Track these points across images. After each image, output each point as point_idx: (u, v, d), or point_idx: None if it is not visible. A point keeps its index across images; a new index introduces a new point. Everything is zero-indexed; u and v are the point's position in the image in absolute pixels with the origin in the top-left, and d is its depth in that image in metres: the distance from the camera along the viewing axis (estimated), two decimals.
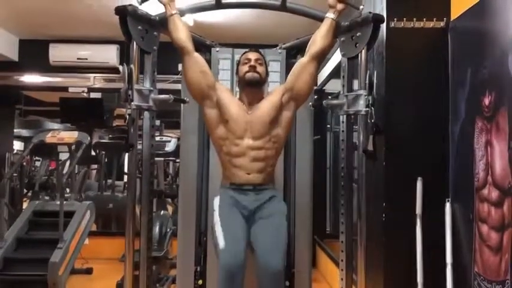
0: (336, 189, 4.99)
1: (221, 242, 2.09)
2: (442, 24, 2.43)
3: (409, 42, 2.45)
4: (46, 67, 5.14)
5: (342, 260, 2.45)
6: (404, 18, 2.43)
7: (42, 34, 5.07)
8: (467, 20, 2.28)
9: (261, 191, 2.28)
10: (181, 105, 2.74)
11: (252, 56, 2.35)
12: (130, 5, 2.27)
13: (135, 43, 2.30)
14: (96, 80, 5.31)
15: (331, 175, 5.33)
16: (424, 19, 2.43)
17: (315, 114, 2.84)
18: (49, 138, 4.40)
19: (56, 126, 8.96)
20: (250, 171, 2.27)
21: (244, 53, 2.41)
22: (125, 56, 5.07)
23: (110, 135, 8.39)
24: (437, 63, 2.43)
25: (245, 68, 2.33)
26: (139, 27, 2.32)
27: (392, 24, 2.43)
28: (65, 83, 5.31)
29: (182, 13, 2.41)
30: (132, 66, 2.22)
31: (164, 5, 2.29)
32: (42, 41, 5.08)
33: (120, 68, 5.07)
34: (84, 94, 5.46)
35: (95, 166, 7.63)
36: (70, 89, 5.31)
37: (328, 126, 5.49)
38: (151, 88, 2.37)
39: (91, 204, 4.50)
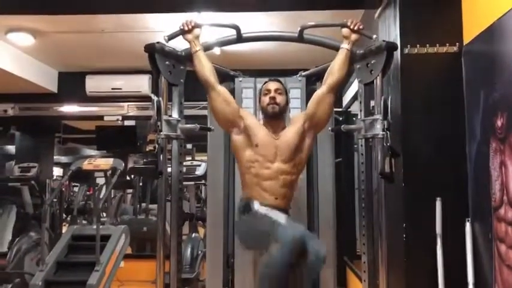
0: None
1: (282, 220, 2.21)
2: (455, 49, 2.50)
3: (423, 68, 2.53)
4: (83, 97, 5.43)
5: (364, 281, 2.51)
6: (418, 45, 2.51)
7: (79, 67, 5.38)
8: (479, 44, 2.35)
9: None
10: (208, 132, 2.89)
11: (272, 86, 2.49)
12: (158, 42, 2.46)
13: (163, 77, 2.48)
14: (129, 108, 5.56)
15: (360, 196, 5.34)
16: (437, 45, 2.50)
17: (342, 136, 2.94)
18: (86, 165, 4.61)
19: (92, 152, 9.32)
20: (278, 195, 2.38)
21: (265, 83, 2.55)
22: (156, 85, 5.31)
23: (144, 160, 8.66)
24: (452, 87, 2.49)
25: (266, 99, 2.46)
26: (167, 62, 2.50)
27: (406, 51, 2.52)
28: (100, 111, 5.60)
29: (208, 47, 2.57)
30: (160, 99, 2.39)
31: (189, 42, 2.46)
32: (79, 73, 5.39)
33: (152, 96, 5.29)
34: (119, 122, 5.70)
35: (130, 190, 7.89)
36: (105, 118, 5.57)
37: (355, 146, 5.53)
38: (179, 118, 2.53)
39: (126, 228, 4.66)
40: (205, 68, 2.44)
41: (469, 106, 2.45)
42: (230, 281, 2.88)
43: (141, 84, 5.33)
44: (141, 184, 7.15)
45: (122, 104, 5.56)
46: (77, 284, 4.05)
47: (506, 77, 2.06)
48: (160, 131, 2.36)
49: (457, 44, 2.50)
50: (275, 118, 2.47)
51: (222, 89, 2.47)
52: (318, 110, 2.45)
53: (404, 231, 2.47)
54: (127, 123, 5.88)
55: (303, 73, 2.99)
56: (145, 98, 5.42)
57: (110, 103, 5.54)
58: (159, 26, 4.17)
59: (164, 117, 2.42)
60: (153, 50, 2.43)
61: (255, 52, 4.73)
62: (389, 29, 2.70)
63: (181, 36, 2.48)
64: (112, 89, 5.33)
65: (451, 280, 2.36)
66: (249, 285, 2.80)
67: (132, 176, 6.87)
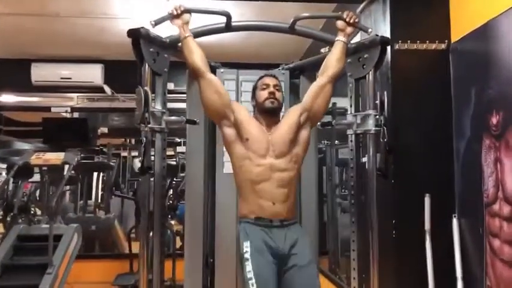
0: (321, 204, 5.02)
1: None
2: (443, 46, 2.53)
3: (413, 64, 2.55)
4: (28, 87, 5.00)
5: (354, 278, 2.48)
6: (409, 40, 2.52)
7: (24, 53, 4.95)
8: (470, 42, 2.39)
9: (289, 226, 2.21)
10: (187, 125, 2.74)
11: (270, 81, 2.35)
12: (142, 27, 2.28)
13: (147, 65, 2.30)
14: (79, 100, 5.22)
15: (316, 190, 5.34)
16: (427, 41, 2.52)
17: None
18: (34, 159, 4.27)
19: (26, 146, 8.71)
20: (275, 200, 2.19)
21: (261, 78, 2.40)
22: (109, 76, 5.02)
23: (82, 155, 8.22)
24: (441, 83, 2.52)
25: (264, 94, 2.31)
26: (151, 49, 2.33)
27: (397, 46, 2.52)
28: (47, 102, 5.19)
29: (194, 36, 2.42)
30: (147, 88, 2.21)
31: (178, 27, 2.29)
32: (23, 60, 4.94)
33: (105, 88, 5.01)
34: (67, 114, 5.34)
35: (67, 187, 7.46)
36: (53, 109, 5.19)
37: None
38: (164, 110, 2.37)
39: (78, 227, 4.37)
40: (196, 56, 2.27)
41: (457, 103, 2.49)
42: (210, 282, 2.75)
43: (93, 74, 4.98)
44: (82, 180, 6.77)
45: (70, 95, 5.19)
46: None
47: (502, 76, 2.10)
48: (149, 123, 2.19)
49: (446, 41, 2.53)
50: (272, 114, 2.32)
51: (213, 78, 2.30)
52: (315, 102, 2.32)
53: (393, 227, 2.47)
54: (76, 115, 5.52)
55: (285, 66, 2.91)
56: (97, 89, 5.12)
57: (58, 93, 5.15)
58: (119, 12, 3.93)
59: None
60: (137, 36, 2.25)
61: (221, 44, 4.59)
62: (376, 24, 2.68)
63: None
64: (61, 78, 4.94)
65: (441, 275, 2.39)
66: (230, 287, 2.69)
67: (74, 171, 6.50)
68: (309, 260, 2.19)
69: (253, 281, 2.04)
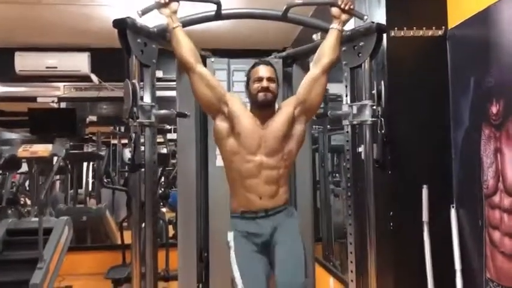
0: (314, 191, 4.98)
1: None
2: (440, 32, 2.46)
3: (410, 51, 2.47)
4: (11, 77, 4.86)
5: (351, 271, 2.44)
6: (405, 27, 2.44)
7: (7, 42, 4.80)
8: (468, 28, 2.32)
9: (275, 215, 2.17)
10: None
11: (264, 73, 2.19)
12: (128, 17, 2.17)
13: (134, 57, 2.21)
14: (66, 89, 5.09)
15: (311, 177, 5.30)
16: (424, 28, 2.45)
17: None
18: (21, 152, 4.16)
19: (13, 136, 8.56)
20: (262, 195, 2.14)
21: (254, 66, 2.23)
22: (95, 64, 4.89)
23: (70, 144, 8.10)
24: (438, 71, 2.46)
25: (257, 87, 2.17)
26: (139, 40, 2.23)
27: (392, 33, 2.44)
28: (32, 92, 5.05)
29: (182, 25, 2.32)
30: (135, 81, 2.12)
31: (166, 17, 2.17)
32: (6, 49, 4.80)
33: (92, 76, 4.89)
34: (54, 104, 5.21)
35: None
36: (38, 99, 5.06)
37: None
38: (153, 103, 2.27)
39: (69, 219, 4.29)
40: (185, 48, 2.15)
41: (455, 92, 2.43)
42: (204, 276, 2.70)
43: (80, 63, 4.84)
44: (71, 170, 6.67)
45: (57, 84, 5.06)
46: (17, 284, 3.68)
47: (502, 64, 2.03)
48: (138, 117, 2.10)
49: (443, 27, 2.45)
50: (265, 107, 2.18)
51: (204, 71, 2.17)
52: (310, 93, 2.20)
53: (390, 219, 2.42)
54: (63, 105, 5.39)
55: (278, 54, 2.82)
56: (84, 78, 5.00)
57: (43, 83, 5.01)
58: None
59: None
60: (124, 26, 2.14)
61: (216, 31, 4.47)
62: (371, 10, 2.60)
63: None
64: (46, 67, 4.80)
65: (439, 267, 2.35)
66: (225, 281, 2.63)
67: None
68: (292, 238, 2.16)
69: (237, 268, 2.07)
